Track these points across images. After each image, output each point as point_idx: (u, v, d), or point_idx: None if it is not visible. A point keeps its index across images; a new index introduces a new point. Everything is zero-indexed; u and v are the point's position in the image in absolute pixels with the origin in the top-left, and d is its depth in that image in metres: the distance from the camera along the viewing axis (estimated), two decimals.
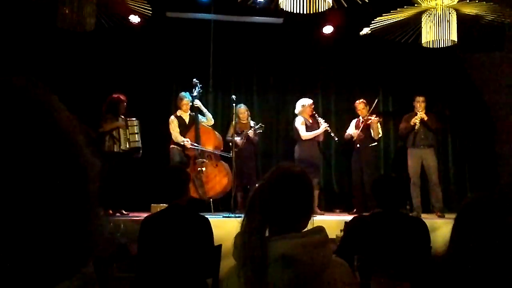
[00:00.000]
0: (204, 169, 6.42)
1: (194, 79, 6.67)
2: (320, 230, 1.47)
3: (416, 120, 6.58)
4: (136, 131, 6.26)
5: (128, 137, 6.20)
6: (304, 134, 6.71)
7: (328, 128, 6.77)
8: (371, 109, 6.95)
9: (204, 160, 6.47)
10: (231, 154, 6.30)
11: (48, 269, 0.53)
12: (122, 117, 6.24)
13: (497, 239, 1.47)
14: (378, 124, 6.92)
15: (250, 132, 6.66)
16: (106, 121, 6.07)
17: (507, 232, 1.50)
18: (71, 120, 0.58)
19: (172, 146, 6.52)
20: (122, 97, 6.24)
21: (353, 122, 7.15)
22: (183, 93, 6.64)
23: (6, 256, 0.50)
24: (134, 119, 6.32)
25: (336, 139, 6.85)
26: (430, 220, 5.56)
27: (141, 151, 6.32)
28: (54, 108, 0.57)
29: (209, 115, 6.79)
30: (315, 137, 6.75)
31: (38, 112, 0.54)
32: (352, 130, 7.06)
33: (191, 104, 6.59)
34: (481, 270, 1.48)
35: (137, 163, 6.42)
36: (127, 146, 6.15)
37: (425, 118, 6.56)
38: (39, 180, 0.51)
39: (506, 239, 1.48)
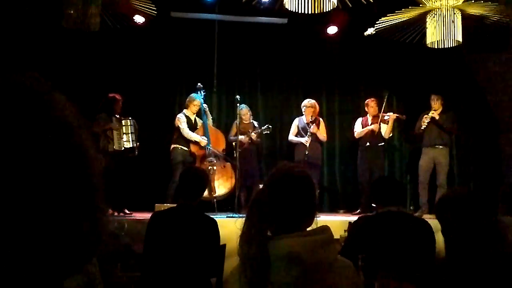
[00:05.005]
0: (215, 168, 6.47)
1: (199, 83, 6.66)
2: (325, 229, 1.47)
3: (425, 120, 6.51)
4: (129, 131, 6.11)
5: (122, 137, 6.09)
6: (289, 138, 6.89)
7: (307, 144, 6.51)
8: (383, 107, 6.88)
9: (214, 160, 6.52)
10: (235, 155, 6.31)
11: (54, 266, 0.53)
12: (117, 116, 6.12)
13: (474, 237, 1.50)
14: (393, 122, 6.87)
15: (253, 135, 6.72)
16: (98, 122, 5.93)
17: (482, 228, 1.52)
18: (75, 116, 0.58)
19: (174, 145, 6.42)
20: (117, 96, 6.13)
21: (359, 120, 7.06)
22: (194, 95, 6.59)
23: (12, 253, 0.50)
24: (130, 119, 6.18)
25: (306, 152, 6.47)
26: (434, 220, 5.52)
27: (136, 151, 6.18)
28: (58, 104, 0.56)
29: (210, 118, 6.84)
30: (316, 137, 6.72)
31: (41, 108, 0.54)
32: (359, 129, 6.96)
33: (200, 107, 6.59)
34: (472, 270, 1.49)
35: (135, 163, 6.34)
36: (120, 146, 6.03)
37: (436, 118, 6.48)
38: (44, 176, 0.51)
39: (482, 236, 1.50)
